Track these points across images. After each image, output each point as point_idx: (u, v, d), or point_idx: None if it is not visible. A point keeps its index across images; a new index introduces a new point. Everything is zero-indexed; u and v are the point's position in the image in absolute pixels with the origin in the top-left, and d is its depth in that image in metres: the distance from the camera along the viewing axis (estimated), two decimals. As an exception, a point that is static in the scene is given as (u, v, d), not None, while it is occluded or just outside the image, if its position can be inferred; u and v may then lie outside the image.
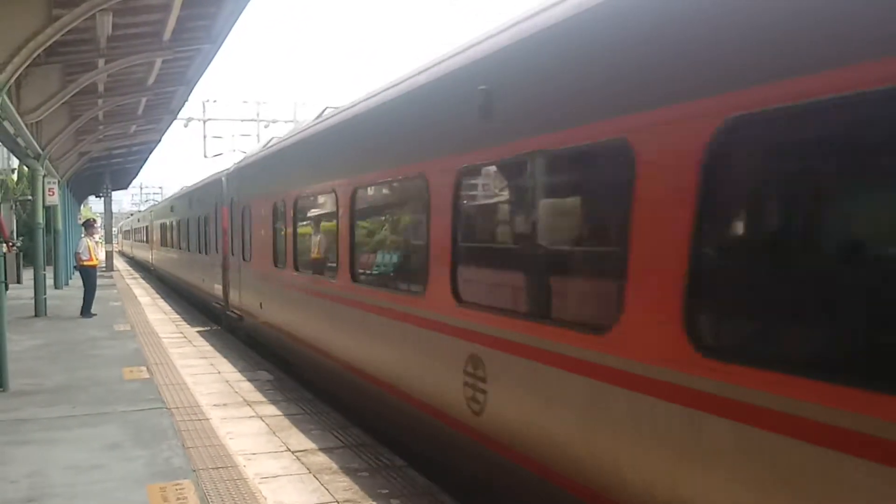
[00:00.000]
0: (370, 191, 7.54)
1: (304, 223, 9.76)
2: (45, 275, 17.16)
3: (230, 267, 14.67)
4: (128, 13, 11.95)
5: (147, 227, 39.76)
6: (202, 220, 18.83)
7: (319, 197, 9.18)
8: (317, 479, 5.88)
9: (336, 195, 7.98)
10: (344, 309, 7.85)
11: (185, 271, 22.97)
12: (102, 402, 8.27)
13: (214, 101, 42.24)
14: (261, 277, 11.93)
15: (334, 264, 8.15)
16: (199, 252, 19.33)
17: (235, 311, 14.09)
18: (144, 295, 24.14)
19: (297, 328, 9.85)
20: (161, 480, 5.68)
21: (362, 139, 7.56)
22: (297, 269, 9.73)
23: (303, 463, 6.29)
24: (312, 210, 9.61)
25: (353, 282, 7.58)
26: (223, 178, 15.76)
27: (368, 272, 7.49)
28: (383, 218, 7.53)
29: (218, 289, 16.16)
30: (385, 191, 7.36)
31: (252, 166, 12.88)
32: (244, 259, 13.10)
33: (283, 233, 10.33)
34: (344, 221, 7.76)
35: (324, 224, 9.02)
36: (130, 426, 7.25)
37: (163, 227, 30.04)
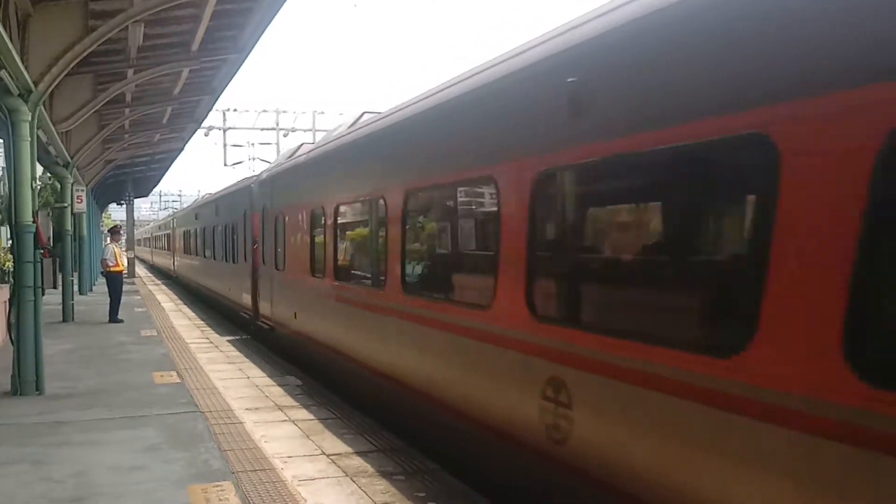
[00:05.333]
0: None
1: None
2: (72, 280, 17.42)
3: None
4: (159, 24, 12.15)
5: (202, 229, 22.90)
6: None
7: None
8: (354, 482, 5.97)
9: None
10: None
11: None
12: (137, 406, 8.42)
13: (234, 110, 42.51)
14: None
15: None
16: None
17: None
18: (167, 301, 24.38)
19: None
20: (201, 482, 5.79)
21: None
22: None
23: (339, 466, 6.38)
24: None
25: None
26: None
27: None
28: None
29: None
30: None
31: None
32: None
33: None
34: None
35: None
36: (167, 429, 7.38)
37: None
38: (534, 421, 5.04)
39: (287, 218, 12.37)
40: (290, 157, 13.47)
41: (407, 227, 7.40)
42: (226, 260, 19.06)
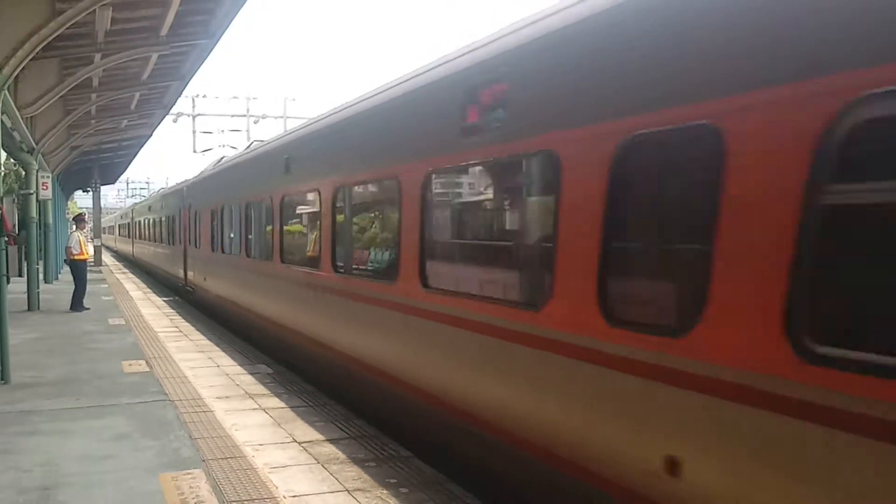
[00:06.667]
0: None
1: None
2: (38, 269, 17.15)
3: None
4: (127, 8, 11.97)
5: None
6: None
7: None
8: (325, 469, 6.00)
9: None
10: None
11: None
12: (106, 395, 8.35)
13: (204, 97, 42.09)
14: None
15: None
16: None
17: None
18: (135, 289, 24.10)
19: None
20: (172, 470, 5.79)
21: None
22: None
23: (310, 453, 6.41)
24: None
25: None
26: None
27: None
28: None
29: None
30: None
31: None
32: None
33: None
34: None
35: None
36: (136, 418, 7.34)
37: None
38: None
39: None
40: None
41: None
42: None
